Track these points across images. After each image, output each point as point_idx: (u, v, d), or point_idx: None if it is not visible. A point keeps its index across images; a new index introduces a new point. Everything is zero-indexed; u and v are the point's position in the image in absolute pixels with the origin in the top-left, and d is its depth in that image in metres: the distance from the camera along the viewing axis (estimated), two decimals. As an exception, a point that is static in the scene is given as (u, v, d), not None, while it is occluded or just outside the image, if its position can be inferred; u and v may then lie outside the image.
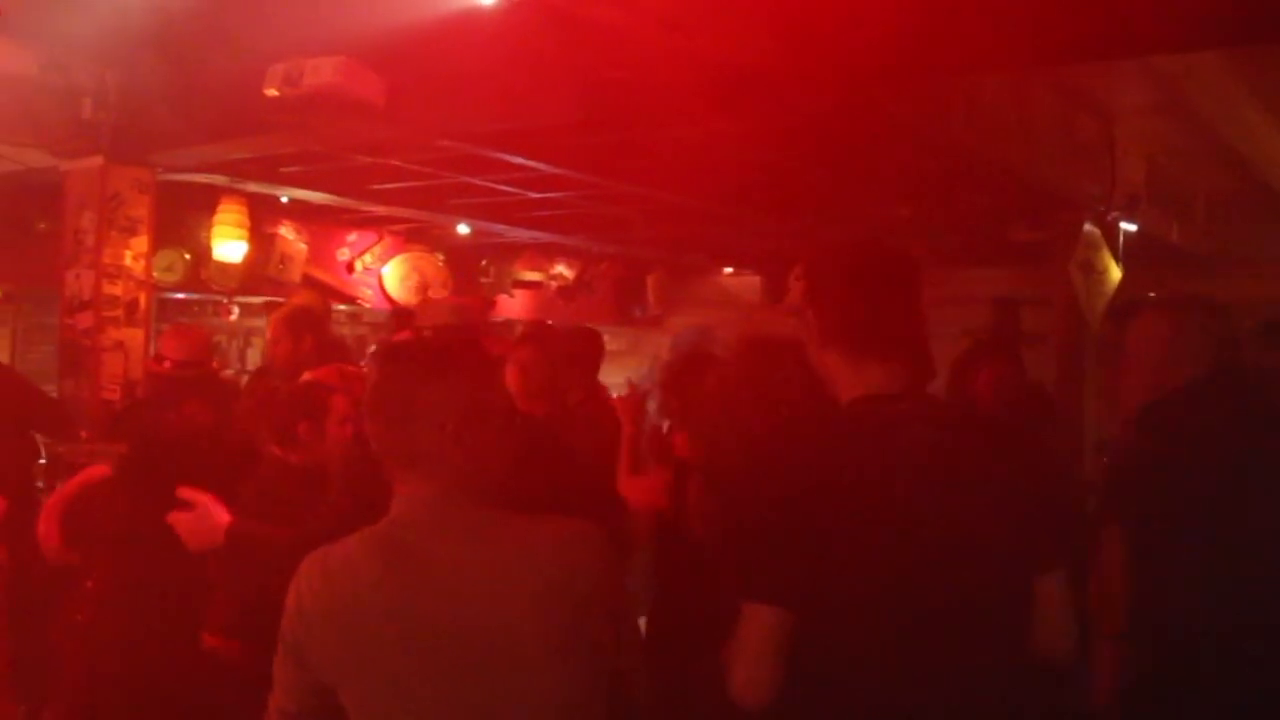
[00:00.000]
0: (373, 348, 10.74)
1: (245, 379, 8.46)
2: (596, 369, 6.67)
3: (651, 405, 5.72)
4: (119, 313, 7.50)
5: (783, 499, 2.58)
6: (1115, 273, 8.85)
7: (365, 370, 5.60)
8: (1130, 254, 9.09)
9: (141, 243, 7.59)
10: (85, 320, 7.47)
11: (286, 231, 10.59)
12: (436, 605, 2.40)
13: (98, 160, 7.40)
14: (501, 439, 2.59)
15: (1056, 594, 2.70)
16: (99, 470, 5.46)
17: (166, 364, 5.62)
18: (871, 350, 2.73)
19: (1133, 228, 9.08)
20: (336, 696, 2.47)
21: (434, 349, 2.68)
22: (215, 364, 6.09)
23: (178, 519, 4.15)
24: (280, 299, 9.64)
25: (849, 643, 2.57)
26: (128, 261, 7.51)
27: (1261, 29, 4.64)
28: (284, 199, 9.45)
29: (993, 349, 5.72)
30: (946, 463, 2.63)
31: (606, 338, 7.13)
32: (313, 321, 6.86)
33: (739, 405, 4.00)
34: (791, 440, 2.83)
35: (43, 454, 6.60)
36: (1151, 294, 6.37)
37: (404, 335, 5.09)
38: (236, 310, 10.77)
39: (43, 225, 8.77)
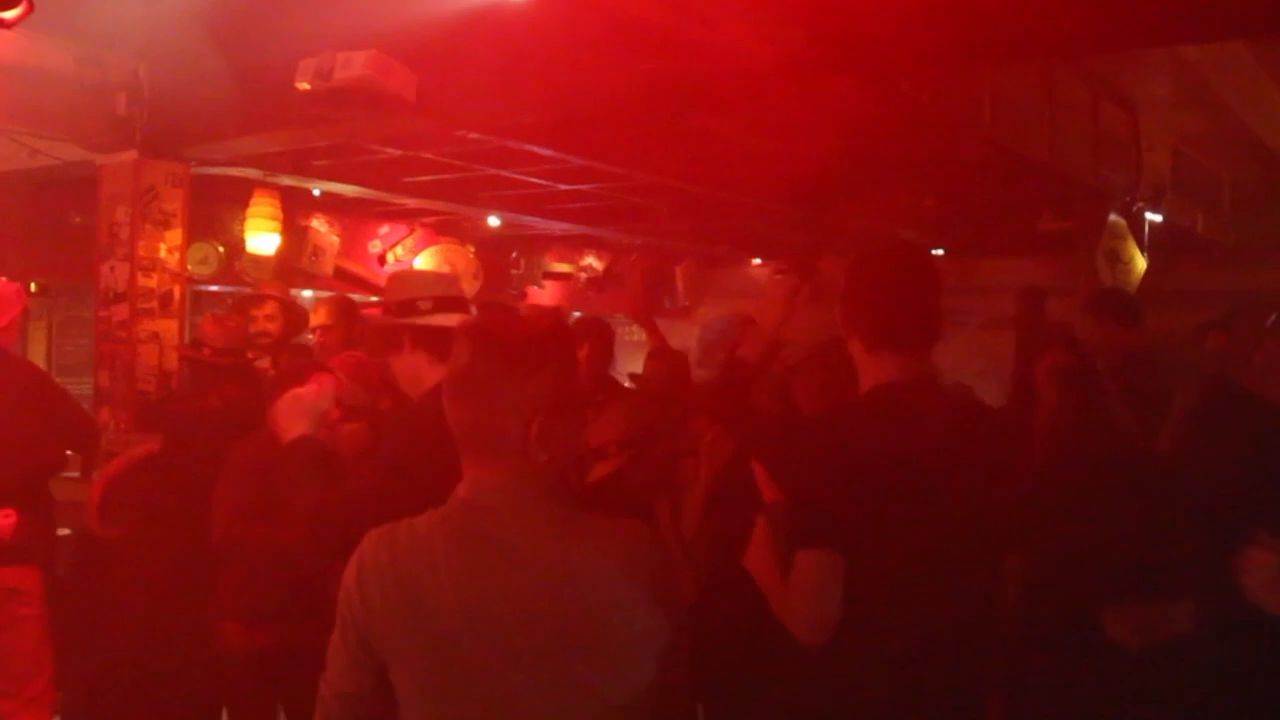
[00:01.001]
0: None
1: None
2: (609, 361, 6.55)
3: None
4: (153, 305, 7.56)
5: (837, 469, 3.07)
6: (1140, 263, 8.86)
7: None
8: (1155, 244, 9.09)
9: (176, 236, 7.65)
10: (120, 313, 7.54)
11: (319, 224, 10.68)
12: (507, 590, 2.40)
13: (132, 154, 7.45)
14: (578, 432, 2.60)
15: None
16: (145, 448, 5.56)
17: (205, 351, 5.69)
18: (888, 343, 3.23)
19: (1158, 218, 9.08)
20: (391, 675, 2.47)
21: (524, 337, 2.58)
22: (250, 354, 6.14)
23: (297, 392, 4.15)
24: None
25: (885, 580, 3.04)
26: (162, 254, 7.57)
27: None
28: (316, 192, 9.51)
29: (1050, 338, 5.75)
30: (952, 441, 3.11)
31: (635, 329, 7.10)
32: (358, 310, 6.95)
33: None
34: (838, 423, 3.31)
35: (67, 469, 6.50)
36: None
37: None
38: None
39: (77, 219, 8.85)
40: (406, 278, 3.94)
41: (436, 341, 3.75)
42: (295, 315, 7.39)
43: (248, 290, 10.27)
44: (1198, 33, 5.32)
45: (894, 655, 3.06)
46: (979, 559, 3.19)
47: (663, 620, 2.49)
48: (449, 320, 3.76)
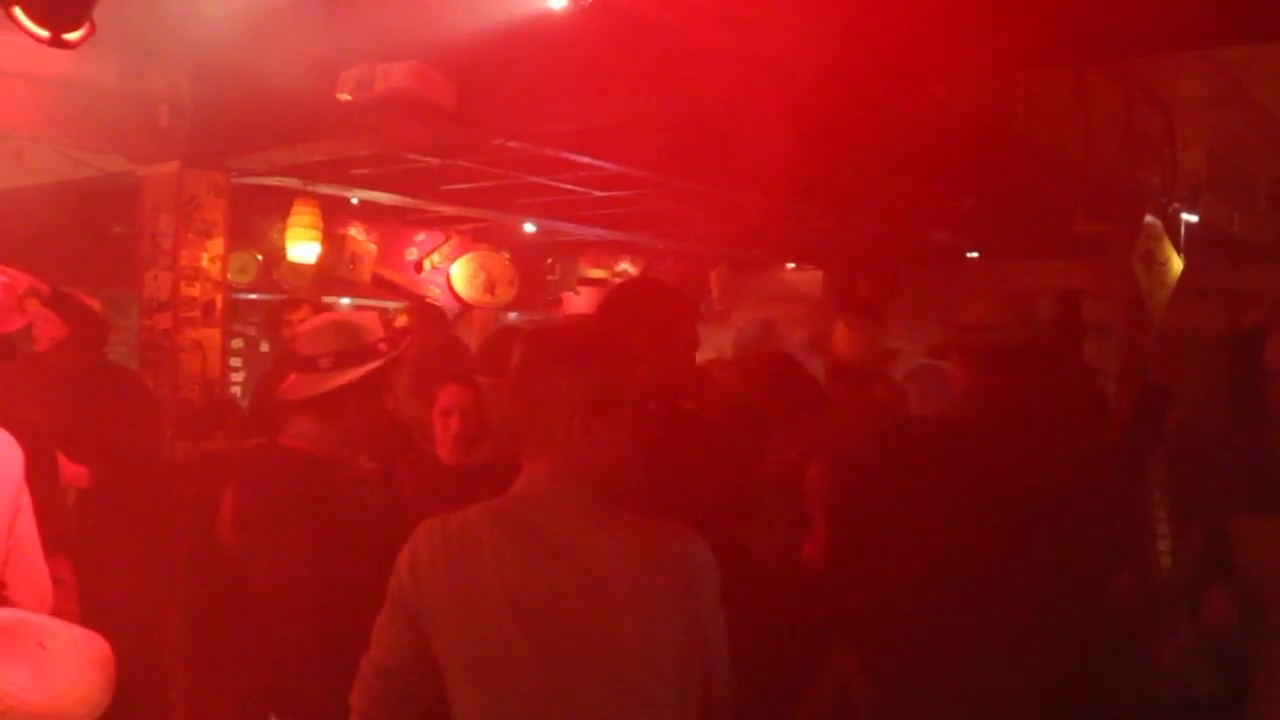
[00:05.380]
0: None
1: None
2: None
3: None
4: (196, 313, 7.65)
5: None
6: (1177, 264, 8.85)
7: None
8: (1192, 244, 9.08)
9: (217, 245, 7.75)
10: (164, 321, 7.64)
11: (356, 232, 10.75)
12: (553, 581, 2.49)
13: (174, 165, 7.55)
14: (629, 430, 2.64)
15: None
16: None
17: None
18: None
19: (1194, 218, 9.07)
20: (436, 656, 2.56)
21: (573, 337, 2.72)
22: None
23: None
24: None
25: None
26: (204, 263, 7.67)
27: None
28: (354, 200, 9.60)
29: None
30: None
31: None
32: (442, 319, 7.01)
33: None
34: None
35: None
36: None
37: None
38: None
39: (119, 229, 8.95)
40: (313, 332, 3.84)
41: (328, 404, 3.68)
42: None
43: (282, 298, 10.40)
44: (1235, 35, 5.33)
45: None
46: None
47: (701, 623, 2.56)
48: (342, 378, 3.68)
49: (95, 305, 5.91)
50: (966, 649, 3.41)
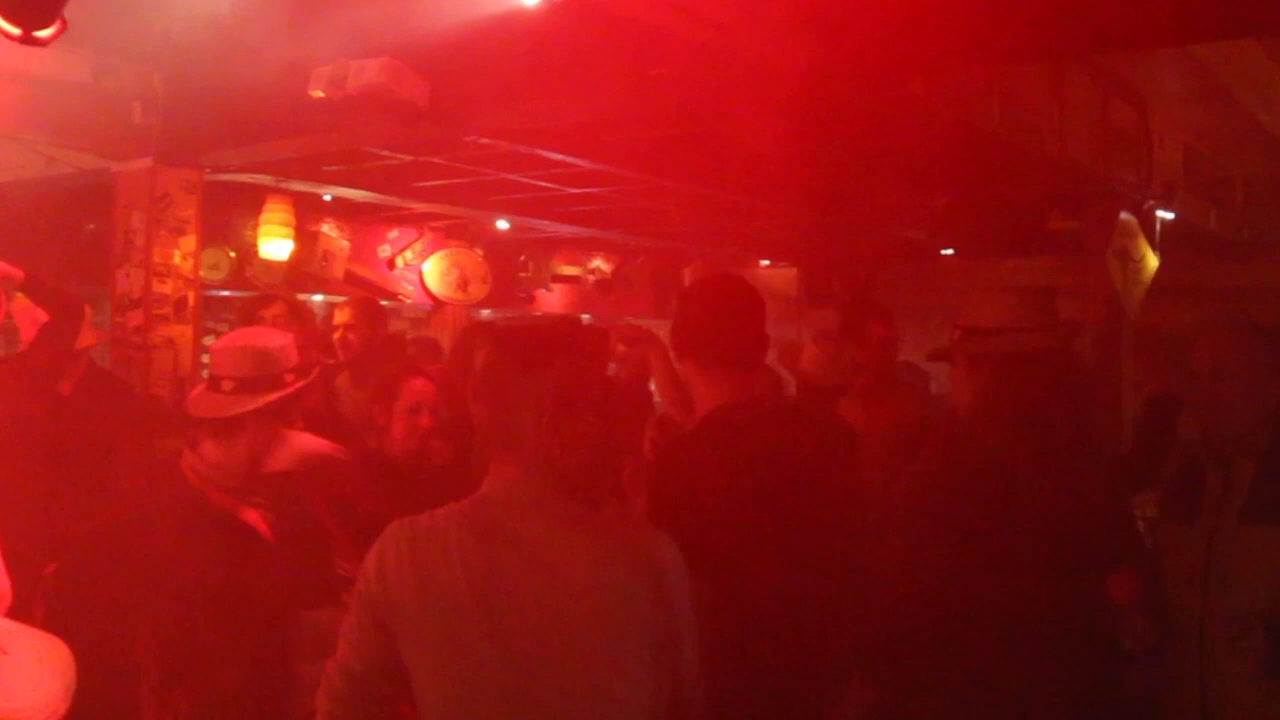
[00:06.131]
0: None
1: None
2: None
3: None
4: (168, 310, 7.62)
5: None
6: (1152, 261, 8.87)
7: None
8: (1168, 242, 9.09)
9: (190, 242, 7.71)
10: (135, 318, 7.60)
11: (329, 229, 10.72)
12: (521, 582, 2.48)
13: (147, 162, 7.52)
14: (598, 430, 2.62)
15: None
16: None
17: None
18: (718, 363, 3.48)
19: (1170, 215, 9.08)
20: (404, 658, 2.54)
21: (538, 337, 2.72)
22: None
23: None
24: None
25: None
26: (176, 260, 7.63)
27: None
28: (327, 197, 9.56)
29: None
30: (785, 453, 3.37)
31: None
32: (380, 314, 7.01)
33: None
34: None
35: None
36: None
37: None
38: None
39: (92, 226, 8.90)
40: (223, 352, 3.80)
41: (224, 427, 3.62)
42: (304, 316, 7.42)
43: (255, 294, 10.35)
44: (1209, 31, 5.33)
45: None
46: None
47: (669, 625, 2.57)
48: (240, 406, 3.65)
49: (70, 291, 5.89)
50: (985, 671, 3.39)
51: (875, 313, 6.05)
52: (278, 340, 3.82)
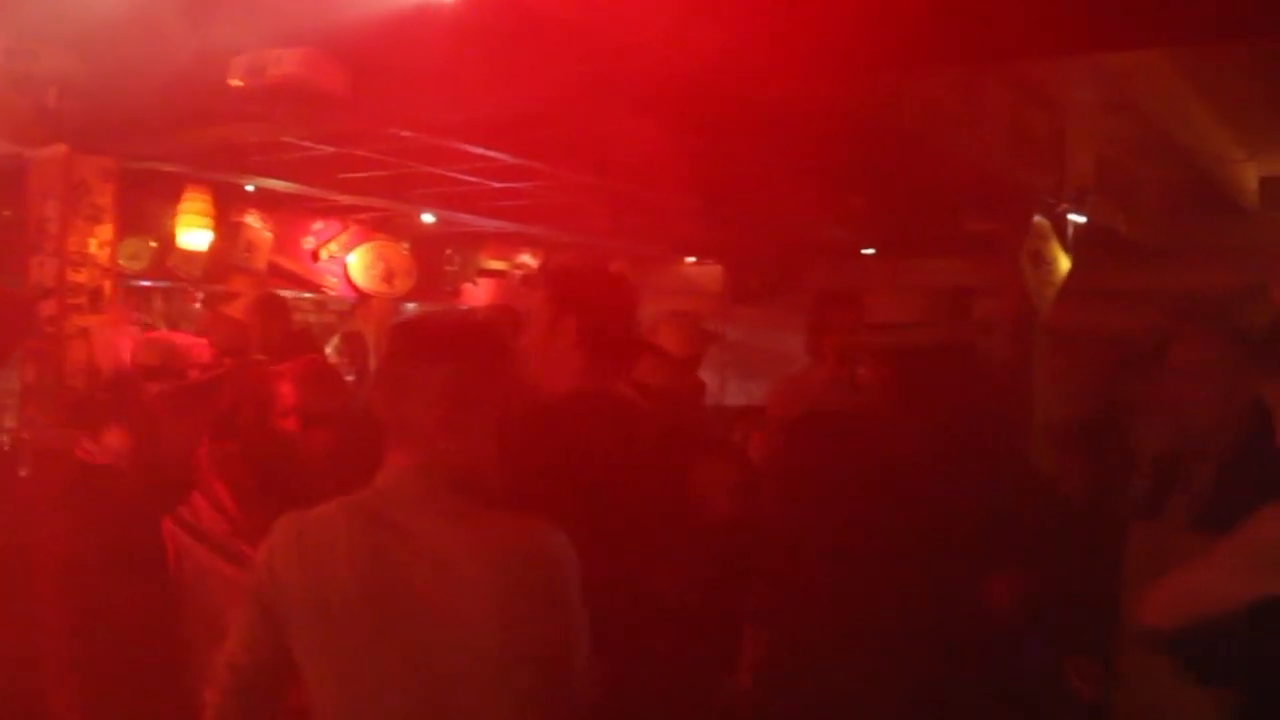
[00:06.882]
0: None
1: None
2: None
3: None
4: (83, 300, 7.50)
5: None
6: (1063, 263, 9.01)
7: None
8: (1080, 245, 9.23)
9: (106, 230, 7.60)
10: (48, 308, 7.51)
11: (252, 220, 10.63)
12: (407, 576, 2.50)
13: (62, 148, 7.40)
14: (493, 426, 2.66)
15: None
16: None
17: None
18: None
19: (1082, 219, 9.22)
20: (293, 653, 2.57)
21: (437, 330, 2.74)
22: None
23: None
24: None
25: None
26: (92, 249, 7.52)
27: (1207, 28, 4.74)
28: (250, 188, 9.50)
29: None
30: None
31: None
32: (282, 309, 6.95)
33: None
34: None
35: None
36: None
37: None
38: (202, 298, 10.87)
39: (6, 213, 8.79)
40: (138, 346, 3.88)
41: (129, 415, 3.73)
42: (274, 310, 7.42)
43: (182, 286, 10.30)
44: (1119, 40, 5.41)
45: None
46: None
47: (560, 616, 2.60)
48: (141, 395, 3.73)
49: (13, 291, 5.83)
50: (878, 638, 3.44)
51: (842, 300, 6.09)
52: (188, 341, 3.89)
